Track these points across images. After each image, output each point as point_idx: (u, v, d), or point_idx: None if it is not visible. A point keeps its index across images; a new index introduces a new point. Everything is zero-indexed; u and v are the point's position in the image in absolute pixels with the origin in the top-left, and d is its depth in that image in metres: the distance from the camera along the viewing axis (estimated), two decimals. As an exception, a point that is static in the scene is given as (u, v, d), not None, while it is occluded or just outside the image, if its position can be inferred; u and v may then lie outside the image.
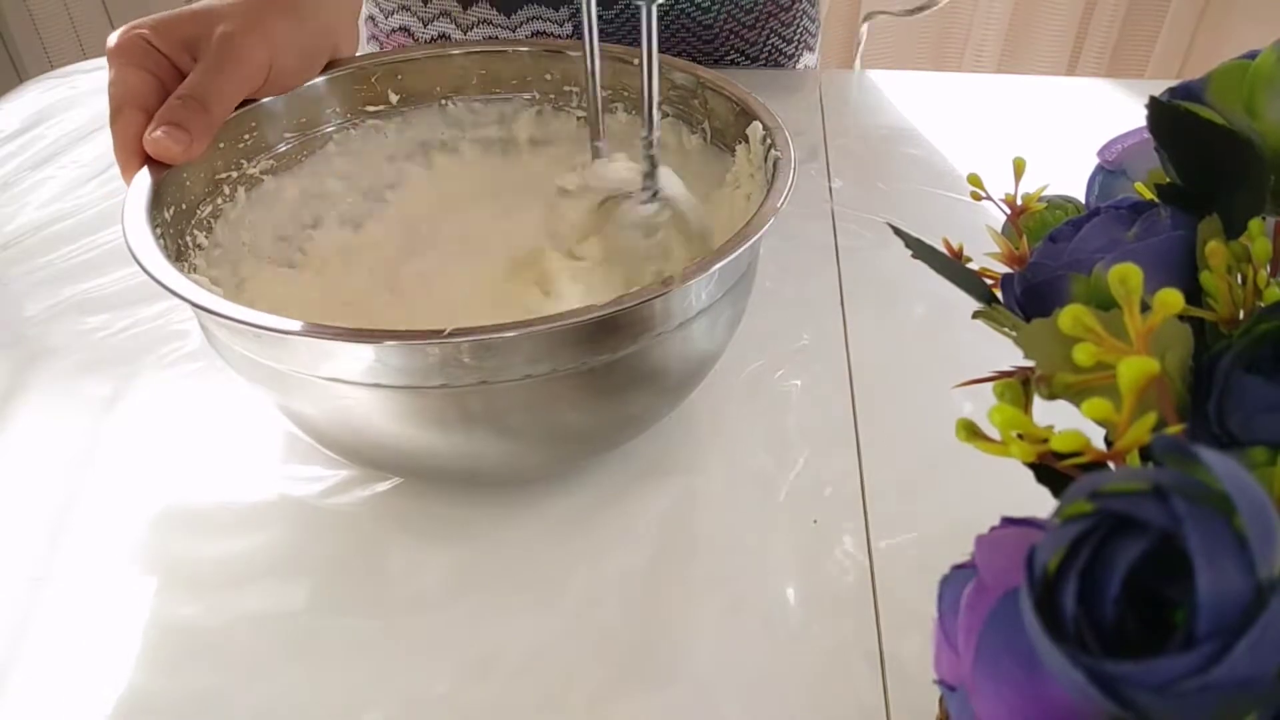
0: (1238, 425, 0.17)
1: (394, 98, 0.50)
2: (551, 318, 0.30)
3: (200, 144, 0.41)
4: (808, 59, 0.80)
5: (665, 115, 0.49)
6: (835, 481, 0.41)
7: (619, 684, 0.33)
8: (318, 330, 0.30)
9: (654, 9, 0.37)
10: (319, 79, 0.47)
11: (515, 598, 0.36)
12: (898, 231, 0.26)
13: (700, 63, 0.73)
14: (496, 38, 0.72)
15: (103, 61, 0.79)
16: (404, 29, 0.75)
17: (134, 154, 0.40)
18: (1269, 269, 0.20)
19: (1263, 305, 0.19)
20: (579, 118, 0.51)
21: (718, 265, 0.33)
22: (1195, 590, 0.12)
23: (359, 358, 0.31)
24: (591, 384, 0.34)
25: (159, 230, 0.37)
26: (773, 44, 0.76)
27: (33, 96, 0.76)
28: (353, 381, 0.32)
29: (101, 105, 0.72)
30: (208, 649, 0.35)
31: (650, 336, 0.33)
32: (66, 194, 0.63)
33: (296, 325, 0.30)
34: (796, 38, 0.77)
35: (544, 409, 0.34)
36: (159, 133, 0.40)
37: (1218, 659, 0.12)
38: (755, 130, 0.42)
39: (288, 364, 0.33)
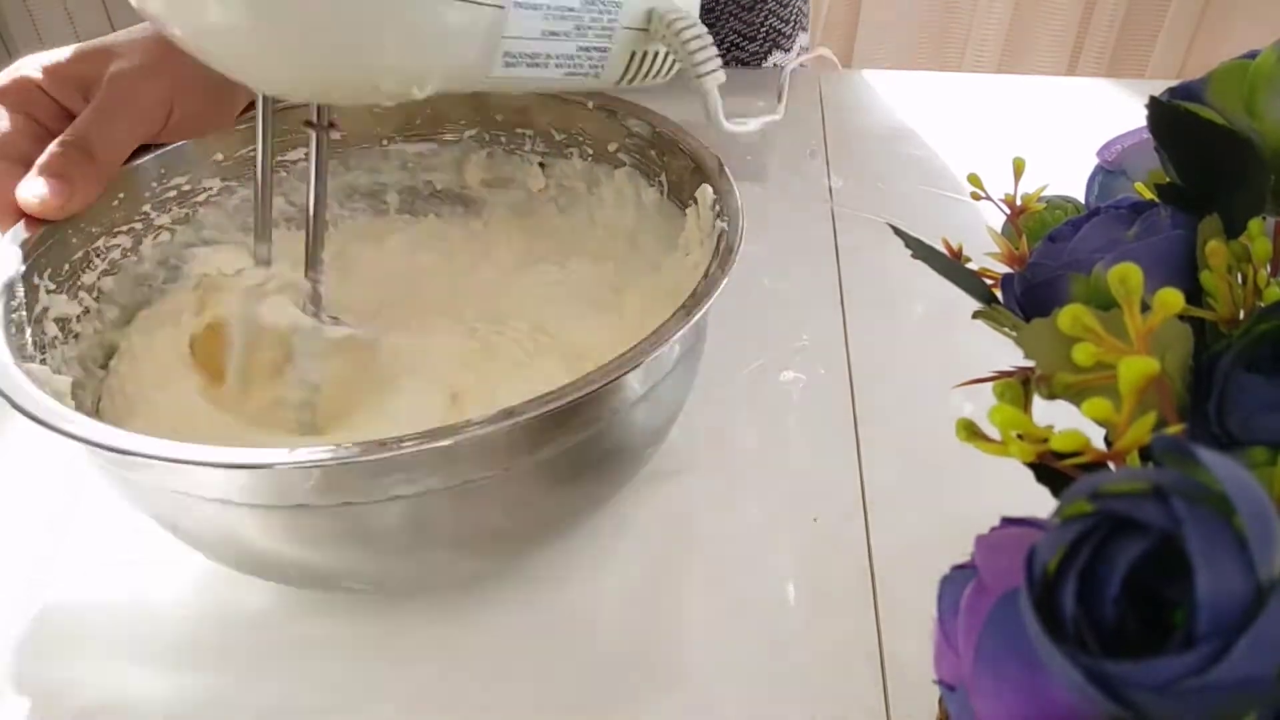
0: (1237, 425, 0.17)
1: (334, 136, 0.45)
2: (429, 434, 0.27)
3: (84, 197, 0.37)
4: (801, 39, 0.82)
5: (622, 165, 0.45)
6: (835, 481, 0.41)
7: (619, 684, 0.33)
8: (161, 450, 0.27)
9: (325, 137, 0.35)
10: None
11: (513, 596, 0.36)
12: (898, 232, 0.26)
13: None
14: None
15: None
16: None
17: (9, 207, 0.36)
18: (1269, 269, 0.20)
19: (1263, 305, 0.19)
20: (537, 164, 0.48)
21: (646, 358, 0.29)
22: (1195, 590, 0.12)
23: (208, 478, 0.28)
24: (508, 489, 0.31)
25: (22, 301, 0.34)
26: (771, 24, 0.77)
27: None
28: (209, 499, 0.29)
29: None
30: (208, 648, 0.35)
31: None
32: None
33: (134, 443, 0.27)
34: (793, 18, 0.79)
35: (421, 527, 0.31)
36: (36, 185, 0.35)
37: (1217, 659, 0.12)
38: (705, 194, 0.39)
39: (140, 476, 0.30)
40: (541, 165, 0.48)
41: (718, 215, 0.37)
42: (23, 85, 0.38)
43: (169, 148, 0.41)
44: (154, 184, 0.41)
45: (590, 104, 0.44)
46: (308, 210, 0.36)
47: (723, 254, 0.34)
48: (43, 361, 0.33)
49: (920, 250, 0.26)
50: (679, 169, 0.42)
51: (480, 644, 0.35)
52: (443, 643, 0.35)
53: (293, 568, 0.33)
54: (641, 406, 0.33)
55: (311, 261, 0.37)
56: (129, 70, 0.39)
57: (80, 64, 0.39)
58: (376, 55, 0.27)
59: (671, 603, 0.36)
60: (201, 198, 0.43)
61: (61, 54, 0.40)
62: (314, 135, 0.34)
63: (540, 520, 0.35)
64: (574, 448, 0.31)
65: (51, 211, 0.36)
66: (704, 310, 0.31)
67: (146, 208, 0.41)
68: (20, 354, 0.31)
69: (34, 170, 0.36)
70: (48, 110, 0.38)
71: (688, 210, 0.41)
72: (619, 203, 0.47)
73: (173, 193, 0.42)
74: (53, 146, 0.37)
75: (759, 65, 0.78)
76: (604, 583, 0.37)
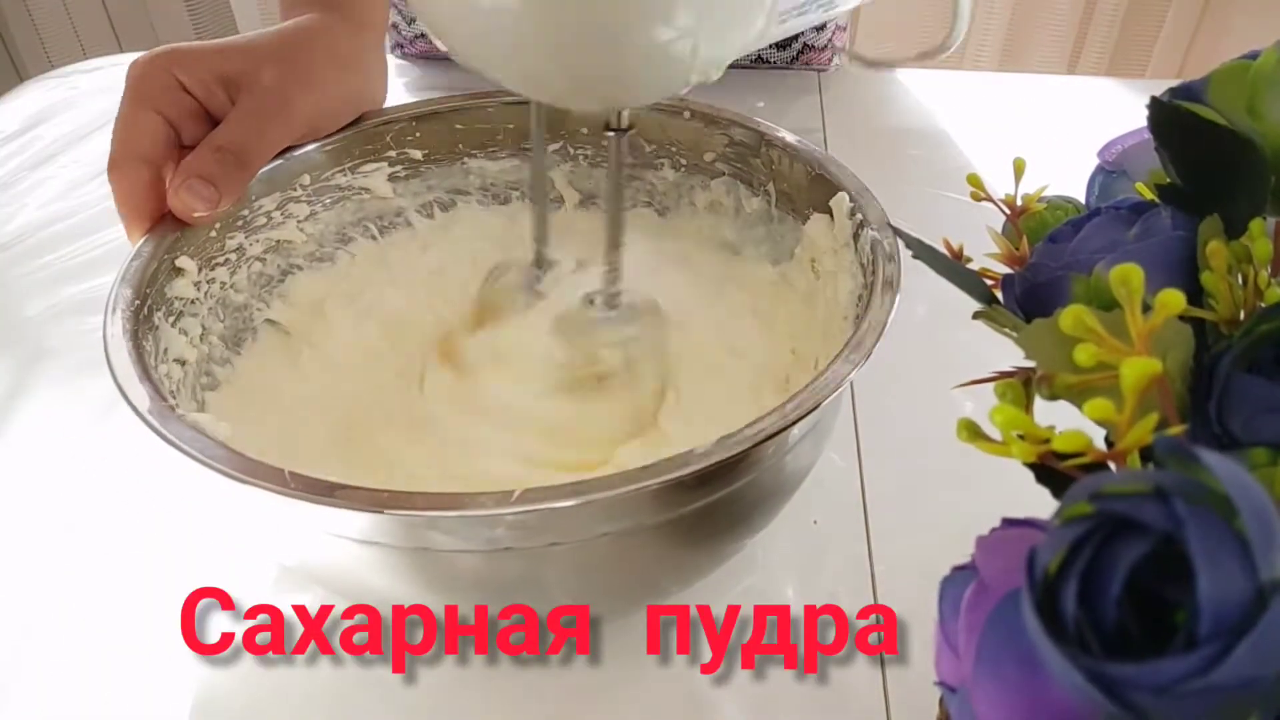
0: (1239, 426, 0.17)
1: (415, 155, 0.44)
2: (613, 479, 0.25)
3: (228, 203, 0.36)
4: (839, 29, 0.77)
5: (721, 174, 0.44)
6: (835, 482, 0.41)
7: (616, 686, 0.33)
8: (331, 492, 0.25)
9: (624, 141, 0.34)
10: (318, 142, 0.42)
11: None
12: (898, 232, 0.26)
13: None
14: None
15: (102, 61, 0.79)
16: (426, 34, 0.74)
17: (136, 211, 0.35)
18: (1270, 269, 0.20)
19: (1264, 306, 0.19)
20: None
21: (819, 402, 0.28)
22: (1196, 592, 0.12)
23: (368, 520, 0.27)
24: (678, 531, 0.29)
25: (153, 344, 0.34)
26: None
27: (33, 96, 0.75)
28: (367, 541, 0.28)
29: (102, 105, 0.72)
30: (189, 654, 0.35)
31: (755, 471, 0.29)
32: (66, 194, 0.63)
33: (319, 484, 0.25)
34: None
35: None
36: (185, 190, 0.35)
37: (1219, 661, 0.12)
38: (840, 201, 0.38)
39: (301, 521, 0.29)
40: (631, 178, 0.46)
41: (861, 224, 0.36)
42: (163, 80, 0.37)
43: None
44: (244, 211, 0.39)
45: (687, 113, 0.43)
46: (610, 210, 0.35)
47: (885, 267, 0.33)
48: (174, 406, 0.31)
49: (921, 250, 0.26)
50: (795, 176, 0.41)
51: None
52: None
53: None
54: (808, 439, 0.32)
55: (608, 257, 0.36)
56: (284, 80, 0.38)
57: (225, 60, 0.38)
58: (687, 54, 0.26)
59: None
60: (290, 224, 0.42)
61: (204, 48, 0.38)
62: (615, 139, 0.34)
63: (693, 561, 0.33)
64: (746, 485, 0.29)
65: (201, 220, 0.36)
66: (885, 330, 0.30)
67: (240, 236, 0.39)
68: (162, 399, 0.29)
69: (186, 171, 0.35)
70: (184, 108, 0.37)
71: (811, 219, 0.40)
72: (715, 213, 0.45)
73: (262, 220, 0.40)
74: (206, 149, 0.36)
75: (788, 45, 0.74)
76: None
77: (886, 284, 0.32)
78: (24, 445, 0.44)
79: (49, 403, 0.46)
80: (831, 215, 0.38)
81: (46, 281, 0.55)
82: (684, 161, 0.45)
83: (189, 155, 0.36)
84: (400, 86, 0.74)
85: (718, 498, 0.28)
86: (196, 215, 0.35)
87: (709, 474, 0.26)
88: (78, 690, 0.34)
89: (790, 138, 0.41)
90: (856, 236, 0.36)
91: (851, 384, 0.45)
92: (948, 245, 0.26)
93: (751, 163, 0.43)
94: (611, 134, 0.34)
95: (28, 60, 1.59)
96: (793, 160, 0.41)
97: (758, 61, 0.75)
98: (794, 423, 0.27)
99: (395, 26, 0.77)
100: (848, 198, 0.37)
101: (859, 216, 0.36)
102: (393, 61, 0.78)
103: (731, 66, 0.28)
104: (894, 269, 0.33)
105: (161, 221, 0.36)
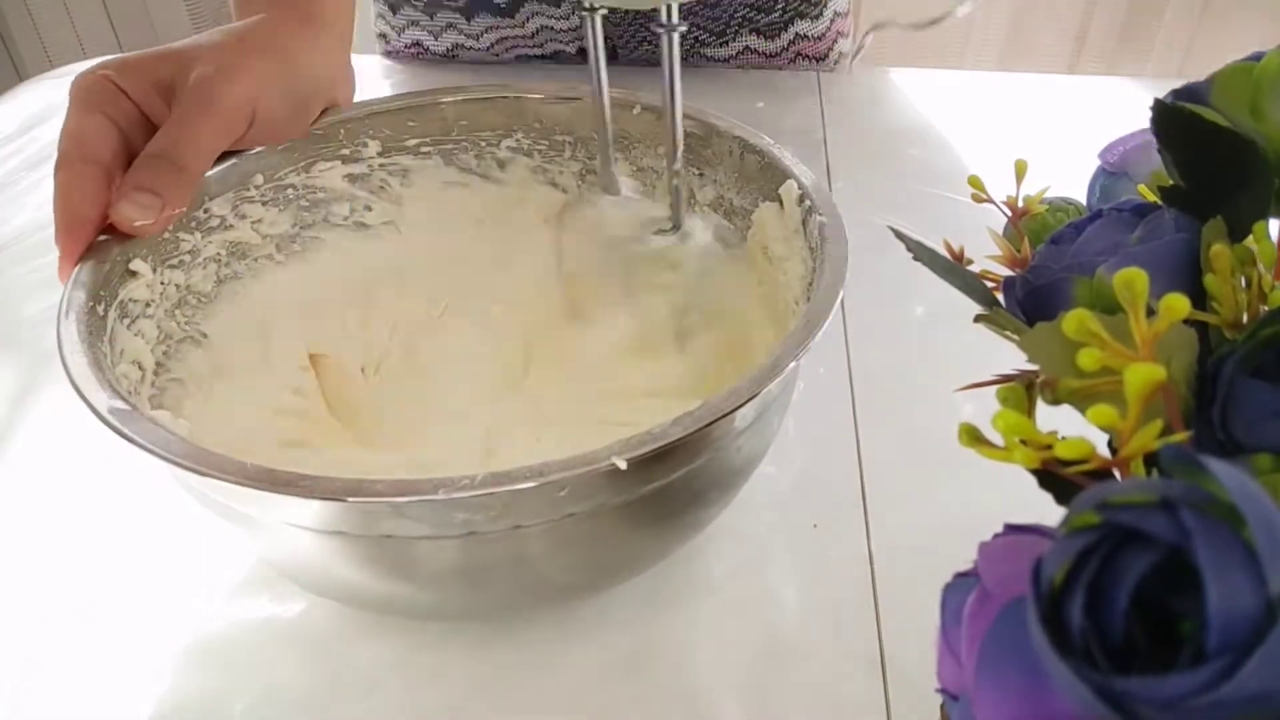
0: (1242, 431, 0.17)
1: (373, 148, 0.45)
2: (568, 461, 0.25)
3: (175, 209, 0.35)
4: (835, 3, 0.74)
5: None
6: (835, 483, 0.41)
7: (619, 686, 0.33)
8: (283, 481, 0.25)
9: (675, 36, 0.35)
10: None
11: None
12: (898, 234, 0.26)
13: (708, 19, 0.71)
14: (507, 36, 0.73)
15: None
16: (418, 43, 0.77)
17: (76, 218, 0.34)
18: (1273, 272, 0.20)
19: (1267, 309, 0.19)
20: (577, 171, 0.47)
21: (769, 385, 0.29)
22: (1205, 604, 0.12)
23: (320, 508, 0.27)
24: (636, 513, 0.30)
25: (109, 346, 0.33)
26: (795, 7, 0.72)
27: (32, 96, 0.75)
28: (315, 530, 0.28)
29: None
30: (209, 652, 0.35)
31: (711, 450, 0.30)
32: (64, 195, 0.62)
33: (281, 479, 0.25)
34: None
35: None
36: (124, 201, 0.34)
37: (1228, 675, 0.12)
38: (790, 189, 0.38)
39: (266, 512, 0.28)
40: (584, 172, 0.46)
41: (809, 210, 0.37)
42: (104, 86, 0.37)
43: (209, 173, 0.39)
44: (200, 212, 0.39)
45: (637, 108, 0.44)
46: (667, 111, 0.38)
47: (833, 255, 0.33)
48: (133, 407, 0.30)
49: (921, 252, 0.25)
50: (746, 166, 0.42)
51: (477, 653, 0.35)
52: (480, 669, 0.35)
53: (429, 600, 0.31)
54: (769, 412, 0.32)
55: (671, 163, 0.39)
56: (211, 76, 0.37)
57: (160, 65, 0.38)
58: None
59: (671, 605, 0.36)
60: (243, 224, 0.42)
61: (141, 56, 0.38)
62: (664, 35, 0.36)
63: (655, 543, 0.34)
64: (696, 469, 0.29)
65: (146, 230, 0.35)
66: (833, 315, 0.31)
67: (197, 235, 0.39)
68: (119, 398, 0.29)
69: (125, 184, 0.35)
70: (127, 114, 0.37)
71: (761, 206, 0.41)
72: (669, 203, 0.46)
73: (215, 221, 0.40)
74: (142, 158, 0.35)
75: (777, 36, 0.73)
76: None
77: (834, 268, 0.33)
78: (25, 445, 0.44)
79: (49, 402, 0.46)
80: (781, 203, 0.39)
81: (46, 281, 0.54)
82: (637, 154, 0.45)
83: (129, 169, 0.35)
84: (389, 87, 0.74)
85: (675, 478, 0.29)
86: (139, 224, 0.35)
87: (665, 453, 0.26)
88: (84, 689, 0.33)
89: (738, 128, 0.42)
90: (805, 223, 0.37)
91: (852, 383, 0.45)
92: (948, 247, 0.26)
93: (702, 153, 0.43)
94: (661, 29, 0.35)
95: (28, 60, 1.59)
96: (743, 150, 0.41)
97: (745, 52, 0.73)
98: (742, 405, 0.27)
99: (384, 36, 0.78)
100: (796, 185, 0.38)
101: (808, 203, 0.37)
102: (380, 62, 0.79)
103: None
104: (841, 253, 0.33)
105: (99, 236, 0.35)
